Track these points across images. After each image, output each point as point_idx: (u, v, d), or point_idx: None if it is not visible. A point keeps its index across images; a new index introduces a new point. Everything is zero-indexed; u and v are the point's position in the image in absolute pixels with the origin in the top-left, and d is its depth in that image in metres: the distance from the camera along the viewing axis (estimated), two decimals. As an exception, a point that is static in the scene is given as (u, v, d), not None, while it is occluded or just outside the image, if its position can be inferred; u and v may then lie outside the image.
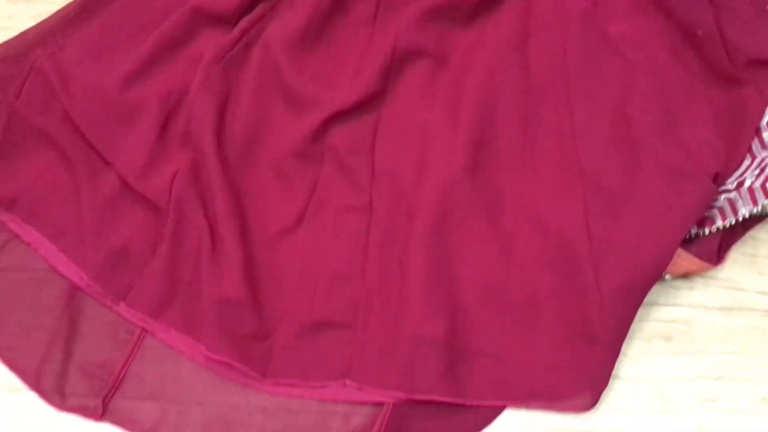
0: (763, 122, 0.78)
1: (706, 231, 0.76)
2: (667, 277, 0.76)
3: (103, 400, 0.77)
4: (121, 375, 0.79)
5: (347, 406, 0.76)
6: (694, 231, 0.76)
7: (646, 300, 0.76)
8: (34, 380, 0.79)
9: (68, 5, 0.96)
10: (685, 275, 0.77)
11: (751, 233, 0.80)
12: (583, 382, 0.73)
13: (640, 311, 0.76)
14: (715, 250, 0.76)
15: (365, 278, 0.79)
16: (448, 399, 0.73)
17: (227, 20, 0.91)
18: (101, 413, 0.77)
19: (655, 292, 0.78)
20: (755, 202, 0.73)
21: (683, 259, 0.75)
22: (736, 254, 0.80)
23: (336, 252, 0.81)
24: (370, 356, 0.76)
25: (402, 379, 0.74)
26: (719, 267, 0.78)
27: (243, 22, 0.90)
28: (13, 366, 0.80)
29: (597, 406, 0.73)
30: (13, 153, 0.87)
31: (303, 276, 0.81)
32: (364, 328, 0.77)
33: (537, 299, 0.76)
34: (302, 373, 0.77)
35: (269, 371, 0.77)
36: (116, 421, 0.77)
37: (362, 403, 0.75)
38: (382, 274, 0.79)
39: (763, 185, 0.73)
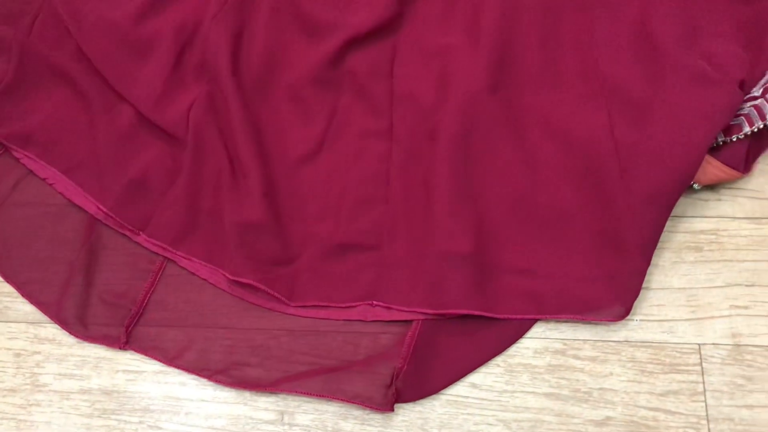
0: (787, 31, 0.78)
1: (734, 138, 0.75)
2: (696, 185, 0.76)
3: (126, 329, 0.76)
4: (144, 303, 0.78)
5: (376, 326, 0.75)
6: (721, 139, 0.75)
7: (674, 212, 0.75)
8: (55, 312, 0.78)
9: (76, -53, 0.95)
10: (714, 184, 0.76)
11: (777, 145, 0.79)
12: (615, 292, 0.72)
13: (669, 223, 0.76)
14: (743, 158, 0.75)
15: (389, 200, 0.78)
16: (477, 312, 0.72)
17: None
18: (125, 341, 0.76)
19: (683, 204, 0.77)
20: (783, 104, 0.72)
21: (712, 166, 0.74)
22: (763, 165, 0.79)
23: (358, 176, 0.80)
24: (398, 275, 0.75)
25: (430, 295, 0.73)
26: (747, 177, 0.78)
27: (255, -44, 0.90)
28: (33, 299, 0.79)
29: (629, 317, 0.72)
30: (26, 89, 0.87)
31: (325, 200, 0.80)
32: (390, 248, 0.76)
33: (566, 211, 0.75)
34: (328, 296, 0.76)
35: (295, 294, 0.76)
36: (140, 349, 0.76)
37: (390, 322, 0.74)
38: (406, 196, 0.78)
39: (790, 87, 0.72)
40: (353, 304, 0.75)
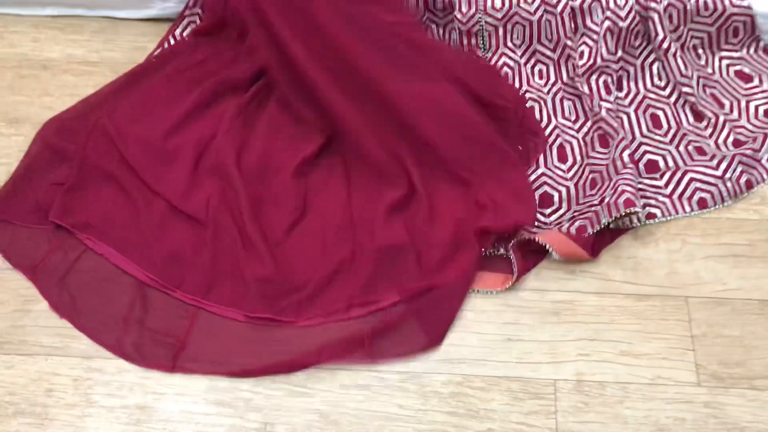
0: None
1: (584, 235, 1.09)
2: (555, 254, 1.09)
3: (173, 358, 1.06)
4: (185, 340, 1.07)
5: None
6: (574, 227, 1.10)
7: (540, 286, 1.09)
8: (119, 349, 1.07)
9: (119, 78, 1.32)
10: (568, 258, 1.10)
11: (617, 241, 1.14)
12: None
13: (537, 294, 1.09)
14: (590, 245, 1.10)
15: (352, 249, 1.13)
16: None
17: (243, 87, 1.26)
18: (172, 367, 1.06)
19: (548, 279, 1.10)
20: (611, 215, 1.07)
21: (568, 244, 1.09)
22: (606, 255, 1.13)
23: (324, 234, 1.15)
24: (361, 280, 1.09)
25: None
26: (594, 262, 1.11)
27: (254, 88, 1.26)
28: (99, 340, 1.08)
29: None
30: (85, 188, 1.19)
31: (310, 254, 1.13)
32: (355, 272, 1.10)
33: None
34: (323, 310, 1.08)
35: (301, 314, 1.08)
36: (182, 371, 1.05)
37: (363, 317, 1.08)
38: (355, 243, 1.13)
39: (615, 202, 1.07)
40: (337, 312, 1.08)
